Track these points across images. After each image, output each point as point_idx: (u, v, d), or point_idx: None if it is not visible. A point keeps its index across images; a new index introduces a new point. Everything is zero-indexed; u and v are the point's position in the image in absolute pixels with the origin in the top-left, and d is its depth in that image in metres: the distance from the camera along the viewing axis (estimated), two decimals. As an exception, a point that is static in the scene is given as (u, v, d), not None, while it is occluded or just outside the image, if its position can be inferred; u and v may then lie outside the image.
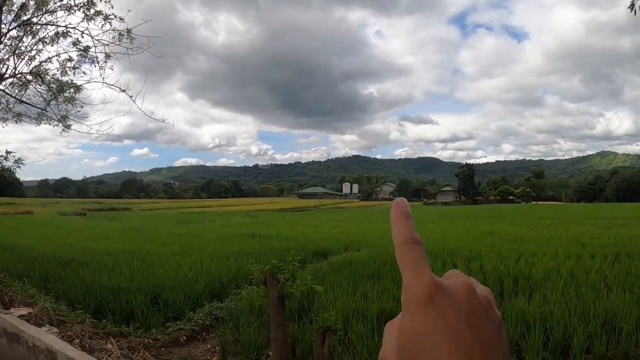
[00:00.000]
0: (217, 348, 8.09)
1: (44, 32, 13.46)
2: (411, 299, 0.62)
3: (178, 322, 9.19)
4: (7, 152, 14.50)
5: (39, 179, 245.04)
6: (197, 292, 10.95)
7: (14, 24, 12.93)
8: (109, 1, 13.09)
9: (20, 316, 7.98)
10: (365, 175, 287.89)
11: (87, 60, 13.85)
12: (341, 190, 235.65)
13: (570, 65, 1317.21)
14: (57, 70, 13.83)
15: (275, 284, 5.92)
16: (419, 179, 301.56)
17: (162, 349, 8.13)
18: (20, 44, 13.39)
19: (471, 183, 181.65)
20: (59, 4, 13.14)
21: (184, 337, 8.68)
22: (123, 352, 7.31)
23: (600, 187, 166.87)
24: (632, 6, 8.09)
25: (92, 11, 13.01)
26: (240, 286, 11.60)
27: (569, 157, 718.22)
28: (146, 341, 8.12)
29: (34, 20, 13.18)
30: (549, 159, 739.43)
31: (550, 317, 8.09)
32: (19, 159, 17.31)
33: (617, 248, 16.66)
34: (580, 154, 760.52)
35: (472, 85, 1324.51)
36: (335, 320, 6.07)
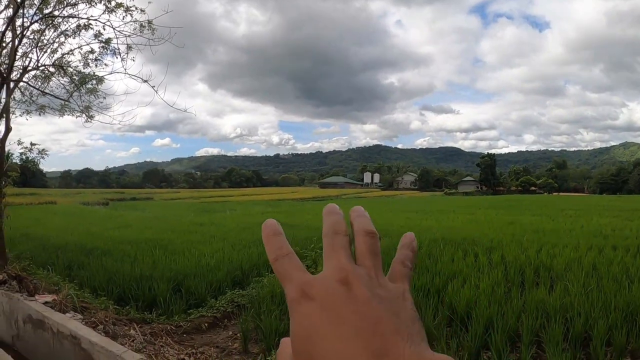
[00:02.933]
0: (238, 335, 8.15)
1: (65, 24, 13.54)
2: (289, 303, 0.63)
3: (200, 309, 9.27)
4: (32, 144, 14.58)
5: (62, 169, 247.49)
6: (218, 279, 11.01)
7: (36, 17, 13.03)
8: (130, -8, 13.13)
9: (45, 303, 8.09)
10: (386, 164, 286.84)
11: (109, 52, 13.93)
12: (362, 180, 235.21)
13: (592, 55, 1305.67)
14: (79, 62, 13.92)
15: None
16: (440, 169, 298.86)
17: (184, 335, 8.22)
18: (43, 37, 13.47)
19: (493, 173, 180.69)
20: (79, -4, 13.22)
21: (206, 324, 8.76)
22: (146, 337, 7.38)
23: (623, 179, 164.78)
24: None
25: (112, 3, 13.06)
26: (261, 274, 11.67)
27: (592, 148, 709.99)
28: (168, 328, 8.21)
29: (56, 13, 13.27)
30: (572, 149, 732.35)
31: (571, 309, 8.03)
32: (43, 150, 17.41)
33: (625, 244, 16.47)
34: (603, 145, 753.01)
35: (492, 75, 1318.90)
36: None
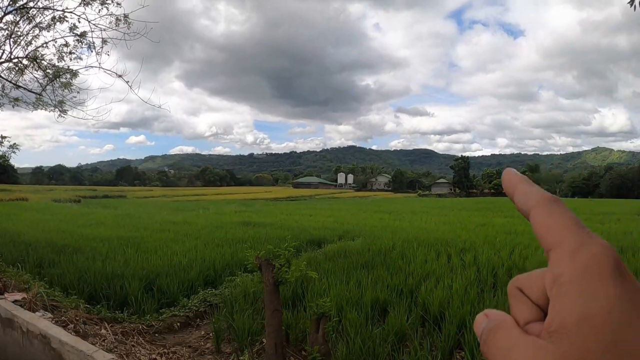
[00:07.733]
0: (210, 334, 8.09)
1: (40, 16, 13.37)
2: (597, 267, 0.47)
3: (172, 309, 9.19)
4: (2, 137, 14.39)
5: (33, 165, 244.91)
6: (191, 278, 10.92)
7: (10, 8, 12.84)
8: (106, -16, 13.01)
9: (14, 301, 7.98)
10: (360, 165, 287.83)
11: (83, 45, 13.78)
12: (336, 181, 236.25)
13: (565, 62, 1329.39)
14: (54, 56, 13.76)
15: (271, 269, 5.91)
16: (414, 171, 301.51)
17: (156, 335, 8.14)
18: (16, 29, 13.29)
19: (466, 176, 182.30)
20: (55, -13, 13.05)
21: (178, 324, 8.69)
22: (117, 337, 7.31)
23: (595, 183, 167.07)
24: (632, 1, 8.00)
25: (88, -5, 12.92)
26: (234, 273, 11.62)
27: (564, 152, 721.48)
28: (140, 327, 8.13)
29: (30, 4, 13.10)
30: (544, 153, 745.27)
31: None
32: (14, 144, 17.14)
33: (611, 243, 16.57)
34: (575, 149, 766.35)
35: (468, 80, 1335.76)
36: (330, 307, 6.07)
